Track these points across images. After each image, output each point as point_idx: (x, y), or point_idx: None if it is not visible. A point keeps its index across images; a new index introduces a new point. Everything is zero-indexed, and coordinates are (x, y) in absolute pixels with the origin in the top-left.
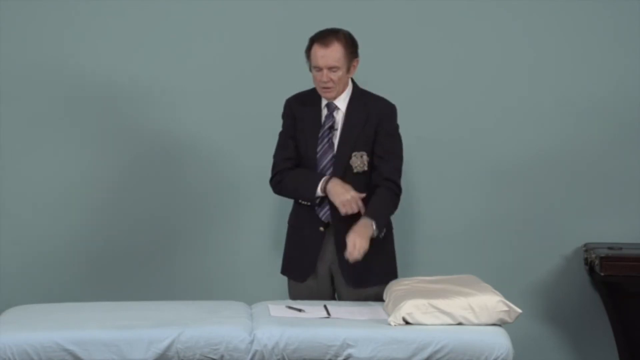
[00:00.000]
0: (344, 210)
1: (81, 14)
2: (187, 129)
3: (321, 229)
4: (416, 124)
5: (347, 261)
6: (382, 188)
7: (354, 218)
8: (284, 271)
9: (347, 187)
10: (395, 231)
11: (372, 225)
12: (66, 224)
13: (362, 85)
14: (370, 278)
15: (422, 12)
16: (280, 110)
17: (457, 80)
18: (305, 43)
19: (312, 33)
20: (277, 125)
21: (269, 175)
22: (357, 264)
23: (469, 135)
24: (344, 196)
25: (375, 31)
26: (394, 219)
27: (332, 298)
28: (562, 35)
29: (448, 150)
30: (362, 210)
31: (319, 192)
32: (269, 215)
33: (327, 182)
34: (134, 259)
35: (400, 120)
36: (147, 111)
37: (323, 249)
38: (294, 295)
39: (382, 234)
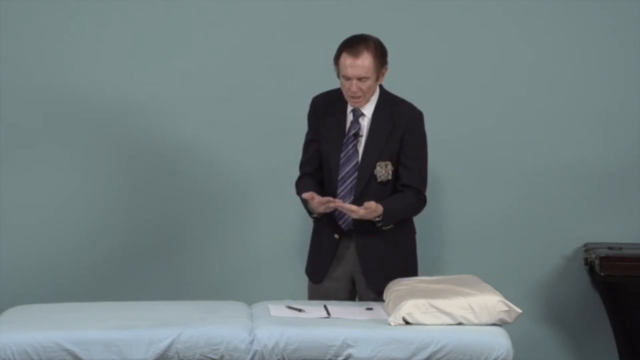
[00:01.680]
0: (322, 209)
1: (77, 21)
2: (186, 131)
3: (336, 236)
4: None
5: (369, 267)
6: (405, 191)
7: (375, 226)
8: (306, 270)
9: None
10: None
11: (380, 210)
12: (66, 225)
13: None
14: None
15: (423, 12)
16: (284, 111)
17: (458, 80)
18: (304, 45)
19: (311, 35)
20: (283, 126)
21: (273, 177)
22: (379, 269)
23: (468, 136)
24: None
25: (374, 31)
26: None
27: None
28: (563, 36)
29: (448, 150)
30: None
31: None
32: (270, 216)
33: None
34: (133, 259)
35: None
36: (152, 115)
37: (344, 254)
38: (311, 295)
39: (388, 227)
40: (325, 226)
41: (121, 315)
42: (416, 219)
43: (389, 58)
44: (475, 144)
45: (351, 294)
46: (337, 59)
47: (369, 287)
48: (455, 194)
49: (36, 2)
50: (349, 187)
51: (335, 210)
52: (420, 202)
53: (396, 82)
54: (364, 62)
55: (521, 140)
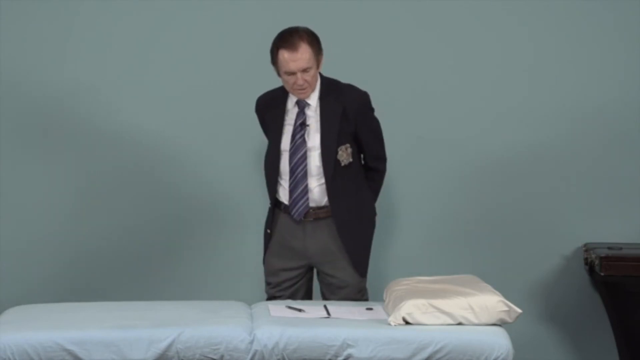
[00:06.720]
0: None
1: (76, 22)
2: (186, 129)
3: (268, 231)
4: (417, 124)
5: (352, 248)
6: (374, 176)
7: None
8: (263, 262)
9: None
10: (394, 230)
11: None
12: (66, 224)
13: (366, 85)
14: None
15: (422, 12)
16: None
17: (458, 81)
18: None
19: None
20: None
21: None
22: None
23: (469, 136)
24: None
25: (375, 32)
26: (395, 217)
27: (308, 289)
28: (562, 36)
29: (448, 150)
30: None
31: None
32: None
33: None
34: (134, 259)
35: (400, 120)
36: (141, 115)
37: (303, 242)
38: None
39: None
40: (280, 216)
41: (121, 315)
42: (417, 218)
43: (389, 57)
44: (475, 144)
45: (307, 292)
46: (274, 57)
47: (353, 266)
48: (455, 193)
49: (36, 1)
50: (300, 175)
51: (289, 199)
52: (382, 177)
53: (397, 83)
54: (304, 54)
55: (521, 139)
